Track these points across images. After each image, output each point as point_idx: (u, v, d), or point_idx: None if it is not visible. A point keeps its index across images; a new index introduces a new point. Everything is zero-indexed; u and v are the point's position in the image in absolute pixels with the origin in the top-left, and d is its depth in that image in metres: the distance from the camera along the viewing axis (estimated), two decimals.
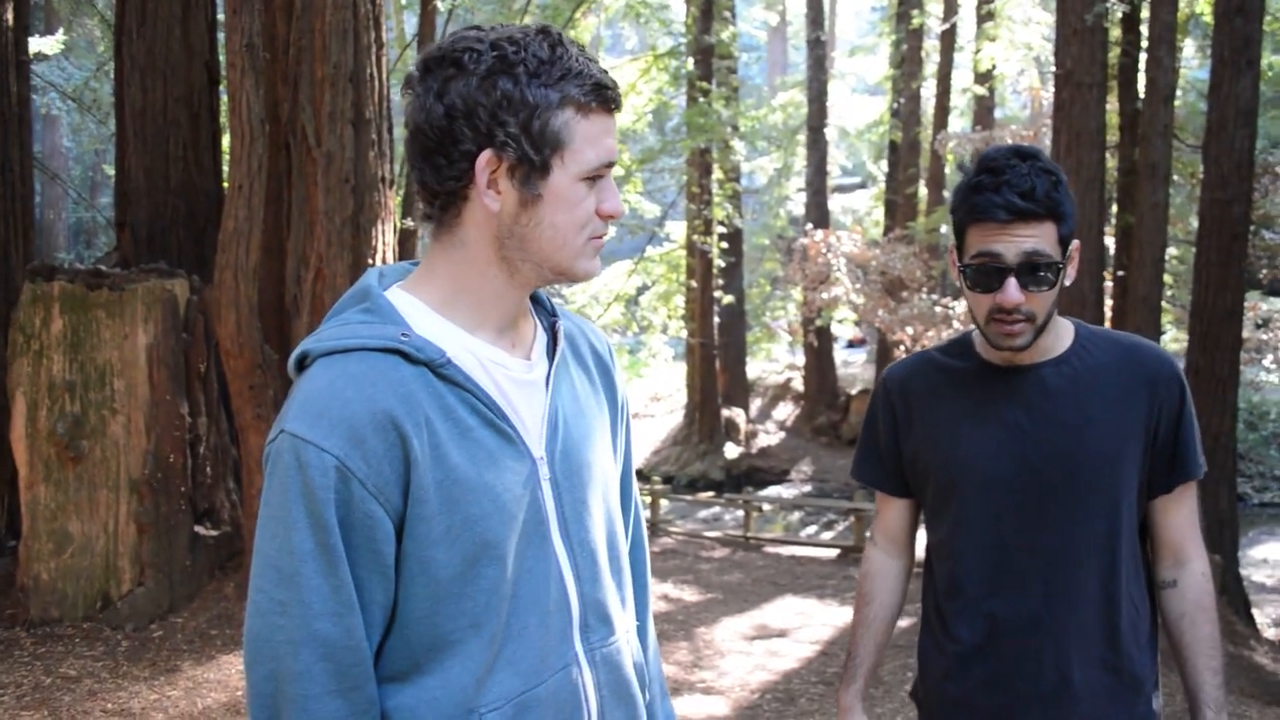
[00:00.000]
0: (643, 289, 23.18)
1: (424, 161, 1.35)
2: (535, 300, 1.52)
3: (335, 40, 6.31)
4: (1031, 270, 1.81)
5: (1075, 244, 1.89)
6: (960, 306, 14.34)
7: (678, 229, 21.68)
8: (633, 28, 26.58)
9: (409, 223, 7.31)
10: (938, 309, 14.42)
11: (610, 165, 1.38)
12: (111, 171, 8.80)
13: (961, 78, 20.76)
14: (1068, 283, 1.90)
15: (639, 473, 20.66)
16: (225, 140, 8.04)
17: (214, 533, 6.82)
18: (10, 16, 8.43)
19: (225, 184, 7.18)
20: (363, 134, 6.51)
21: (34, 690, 5.24)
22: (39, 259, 8.98)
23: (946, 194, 19.56)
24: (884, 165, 23.52)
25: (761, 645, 7.09)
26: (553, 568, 1.39)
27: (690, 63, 18.66)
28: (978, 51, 17.50)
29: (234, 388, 6.25)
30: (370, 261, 6.61)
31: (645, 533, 1.74)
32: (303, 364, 1.36)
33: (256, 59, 6.01)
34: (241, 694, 5.30)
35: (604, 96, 1.35)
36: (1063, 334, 1.96)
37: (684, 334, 21.91)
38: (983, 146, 14.53)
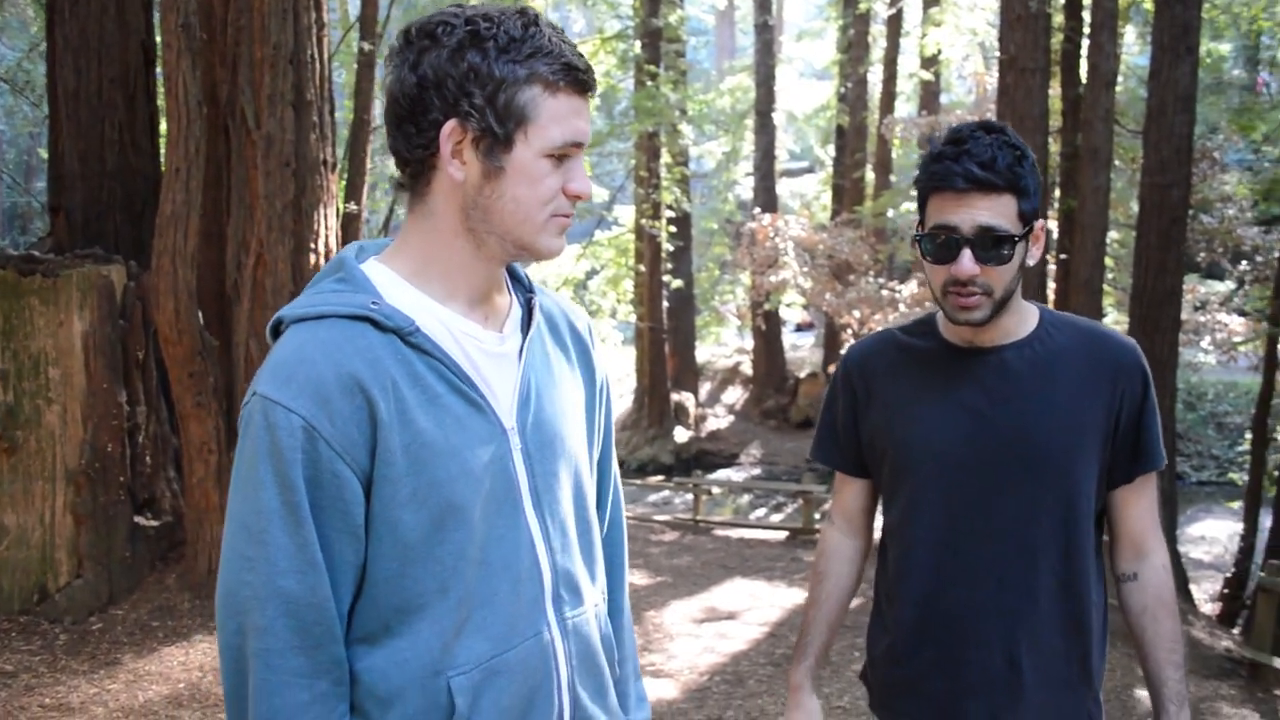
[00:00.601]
0: (592, 273, 23.13)
1: (397, 130, 1.38)
2: (514, 277, 1.55)
3: (275, 20, 6.20)
4: (987, 243, 1.79)
5: (1040, 223, 1.87)
6: (906, 289, 14.48)
7: (626, 213, 21.64)
8: (580, 11, 26.46)
9: (352, 206, 7.21)
10: (884, 292, 14.53)
11: (579, 145, 1.39)
12: (46, 155, 8.58)
13: (908, 63, 20.88)
14: (1030, 262, 1.87)
15: None
16: (163, 123, 7.87)
17: (155, 523, 6.69)
18: None
19: (163, 167, 7.03)
20: (304, 116, 6.40)
21: None
22: None
23: (893, 178, 19.73)
24: (831, 150, 23.62)
25: (710, 628, 7.12)
26: (524, 536, 1.42)
27: (638, 46, 18.60)
28: (924, 37, 17.61)
29: (173, 375, 6.13)
30: (312, 246, 6.51)
31: (624, 514, 1.76)
32: (278, 331, 1.39)
33: (193, 39, 5.88)
34: (184, 686, 5.23)
35: (574, 77, 1.36)
36: (1027, 317, 1.94)
37: (633, 318, 21.90)
38: (928, 131, 14.65)
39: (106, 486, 6.27)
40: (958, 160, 1.78)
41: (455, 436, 1.36)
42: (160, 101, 8.59)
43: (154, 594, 6.37)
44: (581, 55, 1.38)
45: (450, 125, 1.34)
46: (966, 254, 1.79)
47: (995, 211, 1.78)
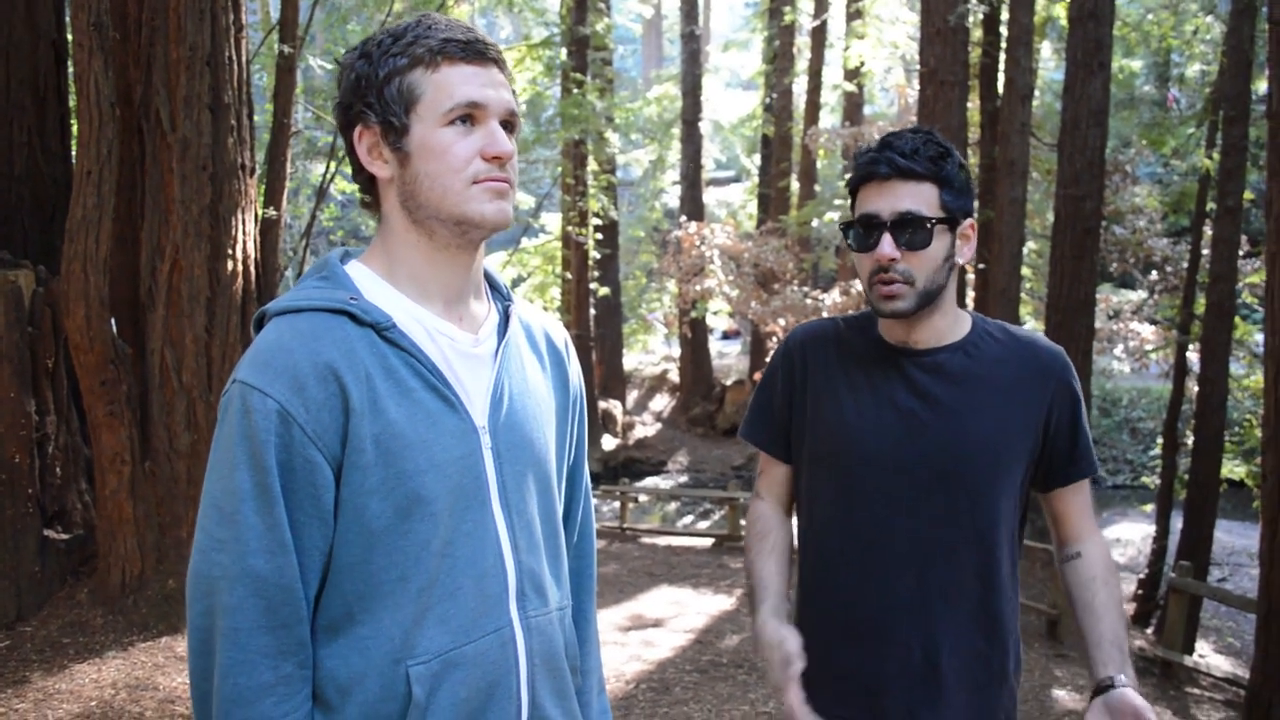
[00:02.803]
0: (518, 281, 23.04)
1: (347, 153, 1.47)
2: (494, 287, 1.60)
3: (191, 21, 6.07)
4: (906, 226, 1.82)
5: (969, 221, 1.90)
6: (829, 298, 14.65)
7: (553, 221, 21.60)
8: (506, 17, 26.35)
9: (271, 212, 7.08)
10: (808, 301, 14.70)
11: (477, 106, 1.41)
12: None
13: (832, 74, 21.15)
14: (960, 260, 1.90)
15: None
16: (75, 125, 7.66)
17: (65, 537, 6.49)
18: None
19: (74, 170, 6.83)
20: (221, 119, 6.27)
21: None
22: None
23: (818, 188, 19.98)
24: (757, 159, 23.83)
25: (637, 635, 7.12)
26: (490, 533, 1.45)
27: (564, 53, 18.59)
28: (847, 49, 17.85)
29: (84, 384, 5.95)
30: (230, 252, 6.38)
31: (594, 526, 1.79)
32: (261, 324, 1.44)
33: (105, 38, 5.73)
34: (96, 704, 5.08)
35: (453, 49, 1.40)
36: (960, 322, 1.96)
37: None
38: (851, 142, 14.86)
39: (14, 499, 6.06)
40: (882, 151, 1.84)
41: (426, 430, 1.39)
42: (72, 103, 8.36)
43: (65, 610, 6.17)
44: (471, 31, 1.43)
45: (357, 130, 1.43)
46: (886, 238, 1.83)
47: (917, 199, 1.82)
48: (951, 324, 1.94)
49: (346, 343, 1.37)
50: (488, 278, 1.60)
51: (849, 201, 1.96)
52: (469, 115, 1.41)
